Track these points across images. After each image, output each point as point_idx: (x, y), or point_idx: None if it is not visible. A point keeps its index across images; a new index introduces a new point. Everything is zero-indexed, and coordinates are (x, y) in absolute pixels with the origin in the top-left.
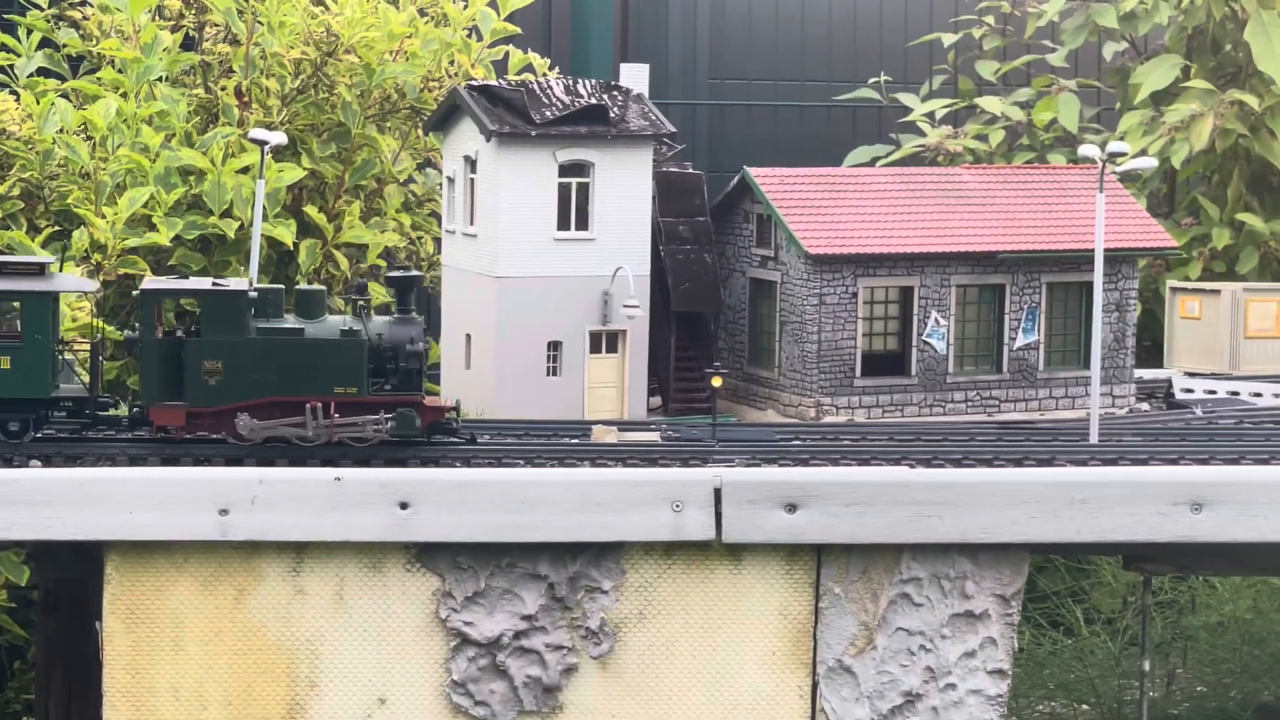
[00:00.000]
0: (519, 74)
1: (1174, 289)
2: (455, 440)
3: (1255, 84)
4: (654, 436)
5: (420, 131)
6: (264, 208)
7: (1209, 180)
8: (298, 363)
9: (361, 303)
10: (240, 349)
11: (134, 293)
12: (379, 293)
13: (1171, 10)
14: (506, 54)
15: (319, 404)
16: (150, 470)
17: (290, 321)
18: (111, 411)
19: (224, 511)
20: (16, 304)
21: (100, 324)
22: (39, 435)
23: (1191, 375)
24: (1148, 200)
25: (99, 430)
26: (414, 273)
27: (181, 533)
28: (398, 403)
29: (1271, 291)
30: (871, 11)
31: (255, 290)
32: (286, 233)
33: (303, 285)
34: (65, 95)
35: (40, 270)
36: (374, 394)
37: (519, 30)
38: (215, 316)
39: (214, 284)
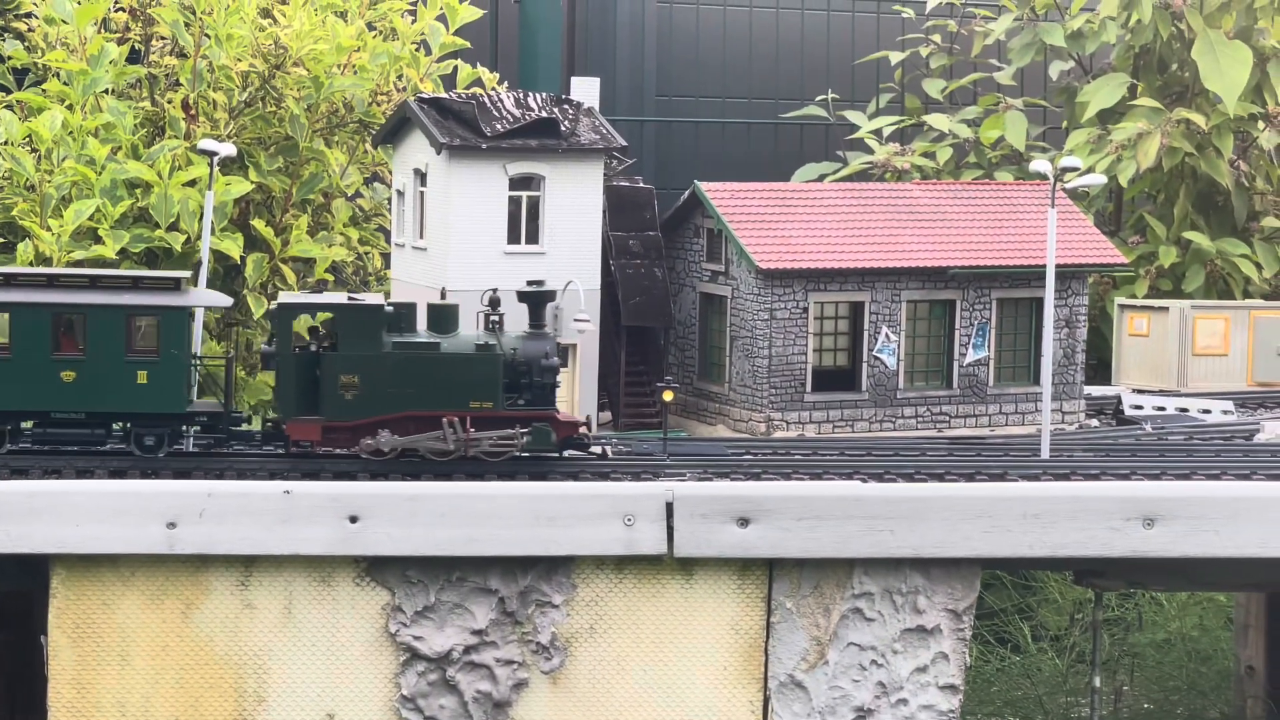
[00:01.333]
0: (468, 88)
1: (1122, 306)
2: (587, 455)
3: (1201, 103)
4: (605, 450)
5: (368, 146)
6: (211, 221)
7: (1155, 199)
8: (434, 377)
9: (494, 317)
10: (376, 363)
11: (269, 307)
12: None
13: (1119, 29)
14: (455, 68)
15: (455, 418)
16: (98, 483)
17: (424, 336)
18: (245, 426)
19: (172, 524)
20: (154, 319)
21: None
22: (173, 450)
23: (1140, 392)
24: (1094, 218)
25: (232, 445)
26: (547, 287)
27: (129, 546)
28: (532, 417)
29: (1218, 309)
30: (819, 29)
31: (390, 305)
32: (233, 246)
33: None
34: (10, 107)
35: (176, 285)
36: (509, 409)
37: (468, 44)
38: (352, 331)
39: (349, 298)
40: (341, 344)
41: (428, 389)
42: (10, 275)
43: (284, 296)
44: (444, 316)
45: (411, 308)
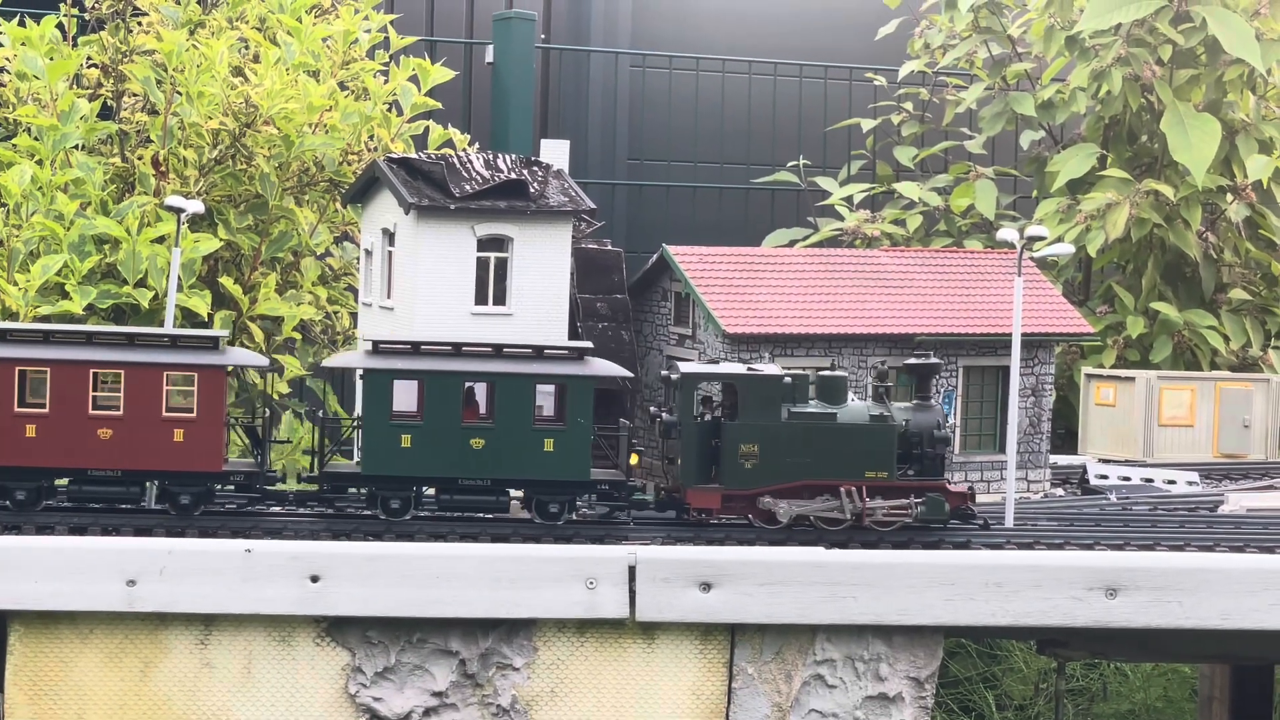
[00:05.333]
0: (439, 149)
1: (1089, 375)
2: (971, 525)
3: (1170, 174)
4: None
5: (338, 205)
6: (179, 278)
7: (1124, 269)
8: (830, 447)
9: (883, 388)
10: (776, 433)
11: (665, 375)
12: (293, 365)
13: (1089, 100)
14: (426, 129)
15: (853, 487)
16: (57, 539)
17: (818, 406)
18: (639, 495)
19: (132, 582)
20: (560, 388)
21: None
22: (573, 517)
23: (1105, 461)
24: (1063, 288)
25: (630, 513)
26: (934, 360)
27: (88, 603)
28: (923, 487)
29: (1185, 380)
30: (791, 96)
31: (788, 375)
32: (201, 304)
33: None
34: None
35: (579, 356)
36: (901, 479)
37: (439, 105)
38: (753, 401)
39: (749, 369)
40: (742, 413)
41: (824, 459)
42: (417, 344)
43: (685, 366)
44: (833, 387)
45: (804, 378)
